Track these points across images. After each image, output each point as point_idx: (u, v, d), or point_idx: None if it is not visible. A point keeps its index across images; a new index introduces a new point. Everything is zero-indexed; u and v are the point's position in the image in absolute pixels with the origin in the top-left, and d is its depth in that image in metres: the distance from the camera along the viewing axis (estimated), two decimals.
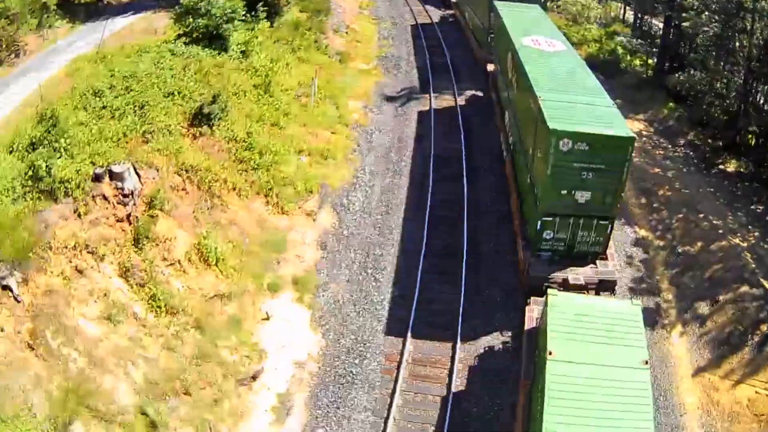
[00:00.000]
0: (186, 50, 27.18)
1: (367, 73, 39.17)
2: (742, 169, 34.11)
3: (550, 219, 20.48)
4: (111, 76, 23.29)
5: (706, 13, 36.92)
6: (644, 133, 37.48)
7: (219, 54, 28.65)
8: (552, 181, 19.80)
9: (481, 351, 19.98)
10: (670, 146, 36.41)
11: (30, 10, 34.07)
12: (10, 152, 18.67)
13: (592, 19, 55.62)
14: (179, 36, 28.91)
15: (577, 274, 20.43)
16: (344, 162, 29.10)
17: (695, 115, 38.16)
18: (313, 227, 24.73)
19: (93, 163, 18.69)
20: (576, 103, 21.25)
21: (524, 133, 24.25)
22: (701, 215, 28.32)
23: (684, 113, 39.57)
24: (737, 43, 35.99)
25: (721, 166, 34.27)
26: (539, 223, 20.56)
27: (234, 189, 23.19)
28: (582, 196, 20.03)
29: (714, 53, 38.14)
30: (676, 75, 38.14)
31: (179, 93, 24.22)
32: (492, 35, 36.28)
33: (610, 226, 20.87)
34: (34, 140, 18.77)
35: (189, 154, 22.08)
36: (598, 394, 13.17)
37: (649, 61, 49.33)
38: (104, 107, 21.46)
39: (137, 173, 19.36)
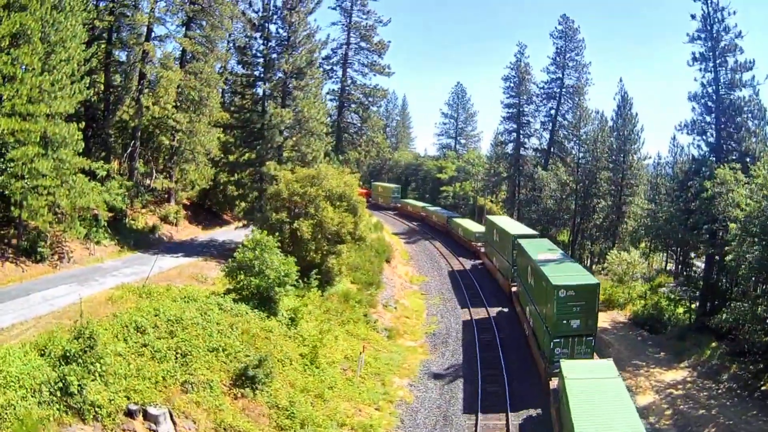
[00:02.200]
0: (234, 307, 27.29)
1: (414, 350, 38.54)
2: None
3: (560, 339, 32.66)
4: (155, 315, 23.15)
5: (748, 239, 38.37)
6: (688, 379, 38.09)
7: (268, 317, 28.74)
8: (556, 314, 32.39)
9: None
10: (713, 385, 36.66)
11: (80, 217, 34.61)
12: (41, 355, 18.55)
13: (638, 276, 57.58)
14: (228, 291, 29.16)
15: None
16: None
17: (737, 346, 38.44)
18: None
19: (128, 398, 18.12)
20: (563, 262, 38.89)
21: (538, 301, 36.79)
22: None
23: (726, 349, 39.89)
24: None
25: (763, 388, 34.59)
26: (552, 343, 32.62)
27: None
28: (574, 329, 32.75)
29: (754, 279, 39.41)
30: (720, 313, 39.31)
31: (224, 350, 23.99)
32: (515, 267, 48.20)
33: (592, 341, 33.42)
34: (68, 353, 18.61)
35: (228, 413, 20.86)
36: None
37: (692, 306, 50.35)
38: (145, 345, 21.18)
39: (173, 420, 18.04)
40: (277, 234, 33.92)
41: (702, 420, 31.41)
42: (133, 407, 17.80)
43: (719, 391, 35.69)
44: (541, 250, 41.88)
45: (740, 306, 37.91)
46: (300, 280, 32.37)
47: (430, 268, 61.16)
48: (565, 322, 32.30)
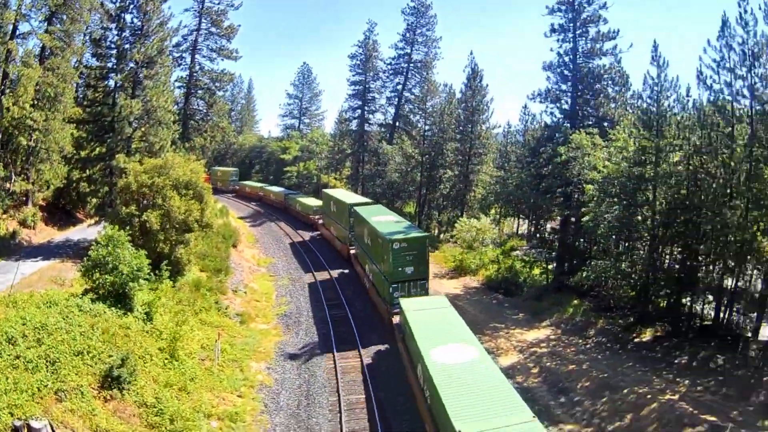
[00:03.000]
0: (93, 308, 27.16)
1: (267, 333, 39.88)
2: (658, 333, 36.55)
3: (397, 284, 38.64)
4: (23, 324, 22.69)
5: (607, 200, 40.90)
6: (552, 337, 39.55)
7: (125, 314, 28.83)
8: (393, 264, 38.56)
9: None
10: (580, 341, 38.24)
11: None
12: None
13: (488, 242, 59.81)
14: (86, 291, 28.94)
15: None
16: (254, 425, 28.68)
17: (602, 302, 40.92)
18: None
19: (11, 414, 17.97)
20: (396, 222, 45.90)
21: (376, 257, 42.59)
22: (625, 390, 30.07)
23: (589, 306, 42.00)
24: (639, 217, 39.78)
25: (636, 340, 36.59)
26: (390, 288, 38.70)
27: None
28: (408, 275, 38.90)
29: (614, 237, 41.84)
30: (580, 272, 41.14)
31: (88, 352, 23.92)
32: (352, 233, 53.91)
33: (425, 284, 39.74)
34: None
35: (102, 417, 21.29)
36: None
37: (549, 266, 52.84)
38: (18, 357, 20.78)
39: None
40: (127, 228, 33.68)
41: (573, 375, 33.24)
42: (17, 423, 17.63)
43: (587, 346, 37.56)
44: (375, 214, 48.49)
45: (602, 263, 39.91)
46: (152, 273, 32.44)
47: (276, 250, 62.76)
48: (400, 269, 38.57)
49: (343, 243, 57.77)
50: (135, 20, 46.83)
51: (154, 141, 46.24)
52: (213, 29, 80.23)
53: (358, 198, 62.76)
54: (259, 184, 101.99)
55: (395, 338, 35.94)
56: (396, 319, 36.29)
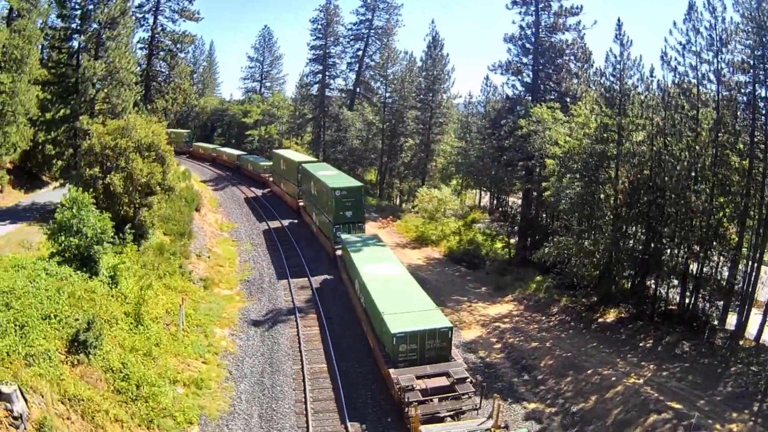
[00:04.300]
0: (59, 271, 27.12)
1: (231, 299, 40.20)
2: (622, 315, 36.73)
3: (339, 225, 46.47)
4: None
5: (568, 175, 40.82)
6: (514, 312, 39.76)
7: (90, 278, 28.82)
8: (335, 209, 46.45)
9: None
10: (543, 318, 38.50)
11: None
12: None
13: (449, 213, 60.07)
14: (52, 254, 28.84)
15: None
16: (219, 391, 29.12)
17: (565, 280, 40.72)
18: None
19: None
20: (338, 175, 54.46)
21: (321, 205, 50.79)
22: (589, 371, 30.38)
23: (552, 282, 42.06)
24: (602, 195, 39.76)
25: (600, 320, 36.69)
26: (334, 228, 46.48)
27: (117, 420, 22.27)
28: (348, 218, 46.88)
29: (578, 214, 41.45)
30: (543, 248, 41.09)
31: (55, 316, 23.87)
32: (300, 187, 60.94)
33: (362, 225, 48.12)
34: None
35: (70, 382, 21.43)
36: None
37: (511, 241, 52.83)
38: None
39: (24, 397, 18.43)
40: (91, 190, 33.39)
41: (537, 352, 33.56)
42: None
43: (551, 323, 37.77)
44: (321, 169, 57.78)
45: (564, 240, 39.92)
46: (116, 236, 32.44)
47: (239, 215, 63.27)
48: (342, 213, 46.84)
49: (292, 197, 65.05)
50: None
51: (116, 102, 46.44)
52: None
53: (305, 157, 71.03)
54: (212, 146, 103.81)
55: (338, 269, 44.53)
56: (339, 253, 44.79)
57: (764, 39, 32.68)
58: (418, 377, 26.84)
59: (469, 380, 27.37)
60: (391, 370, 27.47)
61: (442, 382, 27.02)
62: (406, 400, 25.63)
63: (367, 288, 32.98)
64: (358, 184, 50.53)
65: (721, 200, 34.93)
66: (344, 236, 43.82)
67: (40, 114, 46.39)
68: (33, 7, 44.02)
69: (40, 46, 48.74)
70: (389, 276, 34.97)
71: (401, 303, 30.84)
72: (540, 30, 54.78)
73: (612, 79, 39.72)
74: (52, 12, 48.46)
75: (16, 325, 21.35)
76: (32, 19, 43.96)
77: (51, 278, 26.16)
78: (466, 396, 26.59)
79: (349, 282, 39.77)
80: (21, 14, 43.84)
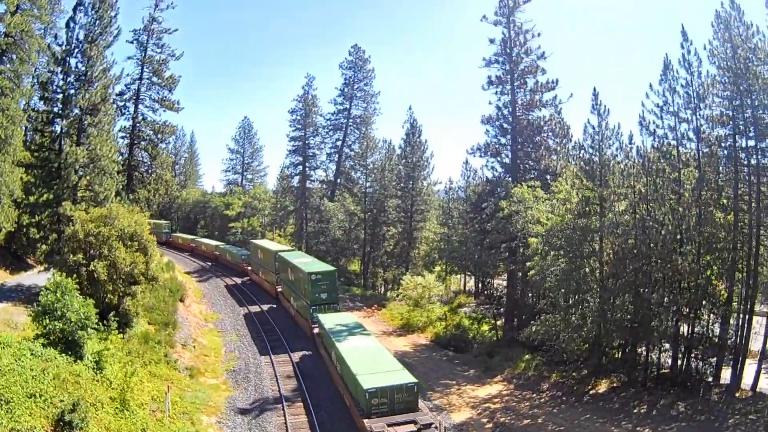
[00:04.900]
0: (44, 352, 26.80)
1: (217, 387, 39.45)
2: (614, 384, 35.97)
3: (315, 306, 49.47)
4: None
5: (552, 252, 40.14)
6: (504, 392, 39.01)
7: (75, 361, 28.46)
8: (312, 292, 49.87)
9: None
10: (534, 395, 37.81)
11: None
12: None
13: (435, 299, 59.36)
14: (37, 336, 28.51)
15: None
16: None
17: (554, 356, 39.75)
18: None
19: None
20: (313, 262, 58.02)
21: (299, 289, 54.09)
22: None
23: (542, 360, 41.18)
24: (587, 269, 39.11)
25: (592, 392, 36.00)
26: (311, 309, 49.70)
27: None
28: (324, 299, 49.91)
29: (564, 290, 40.81)
30: (530, 327, 40.13)
31: (41, 395, 23.55)
32: (278, 275, 63.23)
33: (336, 305, 51.11)
34: None
35: None
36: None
37: (497, 322, 52.01)
38: None
39: None
40: (75, 276, 33.38)
41: (529, 429, 32.97)
42: None
43: (542, 400, 37.15)
44: (297, 256, 62.05)
45: (551, 318, 39.31)
46: (100, 323, 32.20)
47: (223, 306, 62.75)
48: (317, 295, 50.24)
49: (270, 284, 67.74)
50: (80, 65, 47.91)
51: (99, 191, 46.75)
52: (155, 79, 79.93)
53: (281, 246, 73.90)
54: (191, 237, 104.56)
55: (316, 345, 47.40)
56: (316, 331, 47.85)
57: (741, 87, 33.11)
58: (389, 425, 30.58)
59: (434, 426, 30.60)
60: (365, 420, 31.21)
61: (411, 428, 30.54)
62: None
63: (342, 356, 37.24)
64: (332, 268, 54.37)
65: (708, 258, 35.04)
66: (321, 316, 46.99)
67: (24, 197, 46.46)
68: (16, 87, 44.90)
69: (24, 128, 49.45)
70: (361, 345, 39.49)
71: (372, 365, 35.28)
72: (517, 108, 54.89)
73: (591, 150, 40.12)
74: (35, 94, 49.46)
75: (2, 400, 20.93)
76: (15, 98, 44.76)
77: (36, 359, 25.86)
78: None
79: (326, 353, 43.65)
80: (4, 93, 44.68)
